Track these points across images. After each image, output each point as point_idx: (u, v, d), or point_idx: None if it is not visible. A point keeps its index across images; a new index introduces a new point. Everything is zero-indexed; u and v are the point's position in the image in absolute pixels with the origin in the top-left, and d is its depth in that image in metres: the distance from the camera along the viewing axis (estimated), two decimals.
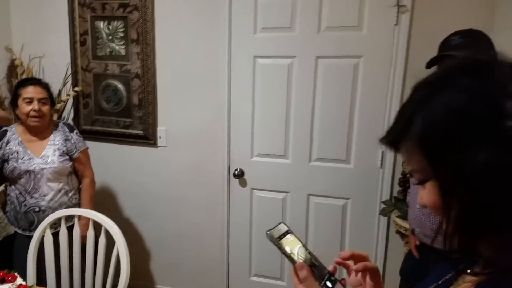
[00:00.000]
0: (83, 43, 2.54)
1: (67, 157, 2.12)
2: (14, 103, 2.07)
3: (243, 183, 2.53)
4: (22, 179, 2.02)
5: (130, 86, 2.51)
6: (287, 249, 0.76)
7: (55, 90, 2.38)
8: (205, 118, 2.48)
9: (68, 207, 2.09)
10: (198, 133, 2.51)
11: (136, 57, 2.45)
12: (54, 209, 2.02)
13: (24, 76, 2.53)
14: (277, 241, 0.78)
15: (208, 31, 2.35)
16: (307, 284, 0.71)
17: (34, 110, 2.01)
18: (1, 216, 2.05)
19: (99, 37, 2.51)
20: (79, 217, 1.91)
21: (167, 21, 2.40)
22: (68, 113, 2.63)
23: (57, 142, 2.10)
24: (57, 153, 2.08)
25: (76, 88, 2.57)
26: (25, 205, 2.04)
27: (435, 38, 1.66)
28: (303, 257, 0.75)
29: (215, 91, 2.42)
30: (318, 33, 2.20)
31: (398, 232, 2.08)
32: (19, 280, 1.51)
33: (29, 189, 2.03)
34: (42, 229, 1.83)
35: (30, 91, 2.02)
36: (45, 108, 2.06)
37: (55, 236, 1.86)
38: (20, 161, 2.02)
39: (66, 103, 2.58)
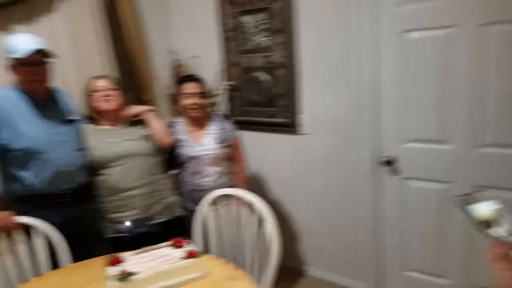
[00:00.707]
0: (231, 40, 2.73)
1: (223, 144, 2.30)
2: (176, 98, 2.34)
3: (394, 172, 2.35)
4: (188, 163, 2.28)
5: (275, 76, 2.59)
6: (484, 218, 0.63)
7: (209, 86, 2.60)
8: (349, 103, 2.40)
9: (227, 187, 2.25)
10: (342, 119, 2.45)
11: (280, 46, 2.52)
12: (215, 189, 2.20)
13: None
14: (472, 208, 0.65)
15: (350, 11, 2.27)
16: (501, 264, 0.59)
17: (193, 104, 2.23)
18: (173, 199, 2.31)
19: (245, 31, 2.65)
20: (234, 196, 2.05)
21: (308, 5, 2.40)
22: (220, 106, 2.84)
23: (214, 131, 2.30)
24: (215, 140, 2.28)
25: (226, 83, 2.77)
26: (192, 185, 2.28)
27: None
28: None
29: (359, 74, 2.32)
30: None
31: None
32: (190, 246, 1.67)
33: (194, 172, 2.27)
34: (206, 205, 2.05)
35: (188, 87, 2.25)
36: (202, 101, 2.27)
37: (216, 211, 2.05)
38: (185, 148, 2.27)
39: (219, 97, 2.79)
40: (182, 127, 2.33)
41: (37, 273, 1.82)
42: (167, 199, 2.23)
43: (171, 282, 1.51)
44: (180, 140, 2.29)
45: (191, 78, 2.32)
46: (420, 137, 2.23)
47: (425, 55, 2.11)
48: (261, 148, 2.76)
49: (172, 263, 1.54)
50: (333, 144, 2.51)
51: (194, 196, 2.26)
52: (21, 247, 1.82)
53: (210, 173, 2.27)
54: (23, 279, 1.79)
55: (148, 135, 2.18)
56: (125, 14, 2.57)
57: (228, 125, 2.34)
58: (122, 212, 2.09)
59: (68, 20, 2.37)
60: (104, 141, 2.08)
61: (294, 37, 2.47)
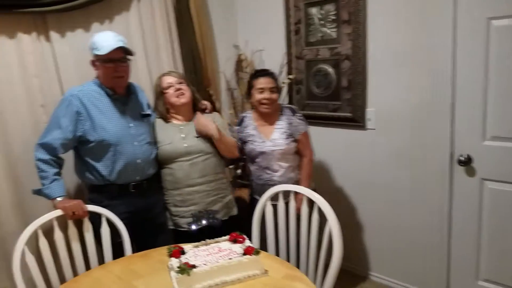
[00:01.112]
0: (297, 32, 2.67)
1: (292, 138, 2.27)
2: (248, 93, 2.34)
3: (471, 172, 2.16)
4: (258, 158, 2.29)
5: (340, 68, 2.50)
6: None
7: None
8: (421, 97, 2.24)
9: (295, 182, 2.26)
10: (411, 114, 2.30)
11: (347, 38, 2.42)
12: (285, 183, 2.20)
13: (247, 70, 2.84)
14: None
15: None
16: None
17: (265, 98, 2.22)
18: (232, 198, 2.34)
19: (312, 23, 2.58)
20: (296, 192, 2.01)
21: None
22: (282, 100, 2.80)
23: (283, 126, 2.28)
24: (284, 135, 2.26)
25: (290, 76, 2.73)
26: (262, 179, 2.30)
27: None
28: None
29: (434, 66, 2.15)
30: None
31: None
32: (248, 242, 1.67)
33: (264, 166, 2.28)
34: (264, 200, 2.02)
35: (261, 82, 2.24)
36: (274, 96, 2.25)
37: (275, 207, 2.02)
38: (255, 143, 2.28)
39: (282, 90, 2.75)
40: (251, 121, 2.34)
41: (101, 261, 1.92)
42: (227, 197, 2.26)
43: (230, 277, 1.52)
44: (249, 135, 2.30)
45: (264, 72, 2.30)
46: (500, 135, 2.03)
47: (511, 45, 1.90)
48: (322, 143, 2.67)
49: (232, 258, 1.56)
50: (401, 140, 2.37)
51: (265, 190, 2.26)
52: (88, 235, 1.92)
53: (280, 168, 2.26)
54: (88, 266, 1.90)
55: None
56: (195, 11, 2.61)
57: (297, 119, 2.31)
58: (182, 206, 2.15)
59: (141, 18, 2.46)
60: (177, 136, 2.14)
61: (362, 28, 2.35)
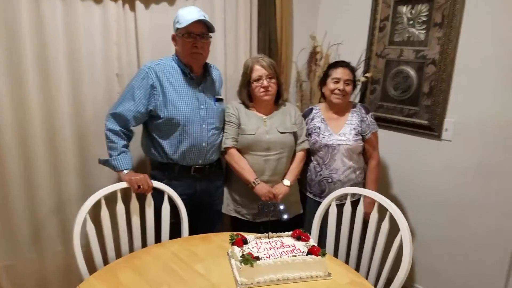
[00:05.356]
0: (381, 29, 2.53)
1: (361, 137, 2.19)
2: (323, 82, 2.25)
3: None
4: (321, 152, 2.21)
5: (423, 72, 2.34)
6: None
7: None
8: (508, 112, 2.05)
9: (354, 184, 2.18)
10: (495, 128, 2.11)
11: (436, 42, 2.25)
12: (343, 183, 2.15)
13: (321, 62, 2.74)
14: None
15: None
16: None
17: (339, 89, 2.15)
18: (298, 198, 2.28)
19: (399, 22, 2.43)
20: (365, 196, 1.92)
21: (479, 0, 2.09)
22: (354, 98, 2.68)
23: (353, 122, 2.20)
24: (353, 132, 2.17)
25: (367, 74, 2.61)
26: (320, 175, 2.22)
27: None
28: None
29: None
30: None
31: None
32: (312, 241, 1.60)
33: (326, 162, 2.19)
34: (330, 200, 1.95)
35: (339, 72, 2.17)
36: (348, 88, 2.17)
37: (339, 208, 1.94)
38: (321, 135, 2.20)
39: (357, 87, 2.64)
40: (319, 113, 2.26)
41: (157, 239, 1.90)
42: (294, 196, 2.20)
43: (293, 275, 1.47)
44: (315, 127, 2.22)
45: (344, 63, 2.22)
46: None
47: None
48: (390, 148, 2.54)
49: (296, 256, 1.50)
50: (483, 156, 2.18)
51: (322, 188, 2.20)
52: (149, 211, 1.89)
53: (343, 166, 2.17)
54: (144, 243, 1.89)
55: (295, 132, 2.15)
56: None
57: (368, 117, 2.21)
58: (246, 197, 2.12)
59: (225, 2, 2.40)
60: (261, 128, 2.09)
61: (454, 34, 2.18)
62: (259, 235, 1.66)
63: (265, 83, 2.06)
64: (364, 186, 2.23)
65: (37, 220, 2.00)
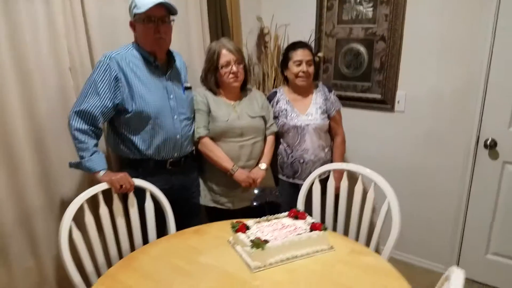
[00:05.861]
0: (329, 8, 2.63)
1: (326, 115, 2.26)
2: (284, 65, 2.27)
3: (494, 155, 2.28)
4: (290, 133, 2.24)
5: (373, 49, 2.50)
6: None
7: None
8: (453, 83, 2.31)
9: (324, 162, 2.24)
10: (440, 99, 2.37)
11: (384, 18, 2.42)
12: (314, 162, 2.22)
13: (271, 44, 2.77)
14: None
15: None
16: None
17: (303, 72, 2.18)
18: (273, 184, 2.28)
19: (347, 1, 2.55)
20: (334, 170, 2.02)
21: None
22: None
23: (318, 101, 2.25)
24: (319, 111, 2.23)
25: (319, 54, 2.69)
26: (292, 157, 2.26)
27: None
28: None
29: (471, 54, 2.22)
30: None
31: None
32: (310, 219, 1.66)
33: (296, 143, 2.24)
34: (313, 178, 2.00)
35: (299, 54, 2.19)
36: (311, 69, 2.22)
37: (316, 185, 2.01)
38: (289, 117, 2.23)
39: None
40: (283, 96, 2.29)
41: (145, 237, 1.82)
42: (269, 180, 2.22)
43: (300, 252, 1.51)
44: (281, 110, 2.25)
45: (301, 44, 2.25)
46: None
47: None
48: (349, 124, 2.67)
49: (301, 234, 1.54)
50: (430, 123, 2.44)
51: (295, 169, 2.24)
52: (133, 211, 1.80)
53: (312, 146, 2.23)
54: (132, 245, 1.81)
55: (263, 116, 2.15)
56: None
57: (332, 96, 2.29)
58: (223, 186, 2.10)
59: None
60: (232, 114, 2.05)
61: (401, 10, 2.35)
62: (257, 219, 1.67)
63: (235, 68, 2.03)
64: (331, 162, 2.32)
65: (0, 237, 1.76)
